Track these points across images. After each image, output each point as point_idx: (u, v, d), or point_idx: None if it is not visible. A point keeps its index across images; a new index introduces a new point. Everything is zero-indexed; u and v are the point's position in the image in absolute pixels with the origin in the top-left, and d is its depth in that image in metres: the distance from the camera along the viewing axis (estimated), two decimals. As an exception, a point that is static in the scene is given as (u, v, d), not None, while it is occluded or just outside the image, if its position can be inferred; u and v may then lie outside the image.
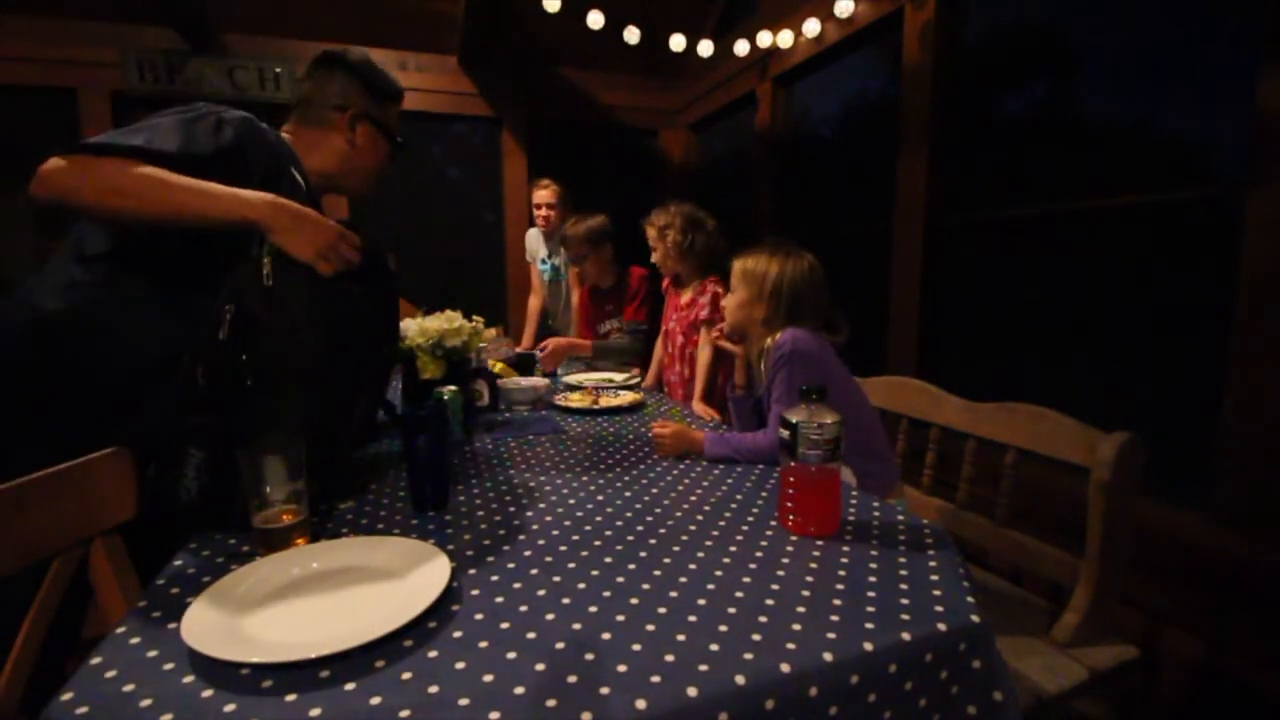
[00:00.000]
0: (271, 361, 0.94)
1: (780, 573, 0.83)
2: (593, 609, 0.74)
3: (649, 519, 1.01)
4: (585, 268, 2.55)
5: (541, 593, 0.77)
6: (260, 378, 0.94)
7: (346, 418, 1.09)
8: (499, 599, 0.76)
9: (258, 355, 0.94)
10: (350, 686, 0.60)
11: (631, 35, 2.90)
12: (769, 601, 0.75)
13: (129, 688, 0.60)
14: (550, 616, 0.72)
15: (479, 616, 0.72)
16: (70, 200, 0.96)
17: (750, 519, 1.01)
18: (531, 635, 0.68)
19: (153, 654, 0.65)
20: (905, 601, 0.76)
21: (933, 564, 0.85)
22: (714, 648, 0.66)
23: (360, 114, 1.35)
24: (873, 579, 0.81)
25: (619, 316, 2.58)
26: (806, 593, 0.78)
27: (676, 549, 0.90)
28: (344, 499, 1.10)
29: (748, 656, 0.64)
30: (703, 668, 0.62)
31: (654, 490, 1.15)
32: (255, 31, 3.31)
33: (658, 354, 2.35)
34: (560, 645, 0.66)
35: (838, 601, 0.76)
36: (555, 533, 0.96)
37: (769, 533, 0.96)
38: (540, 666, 0.63)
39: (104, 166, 0.97)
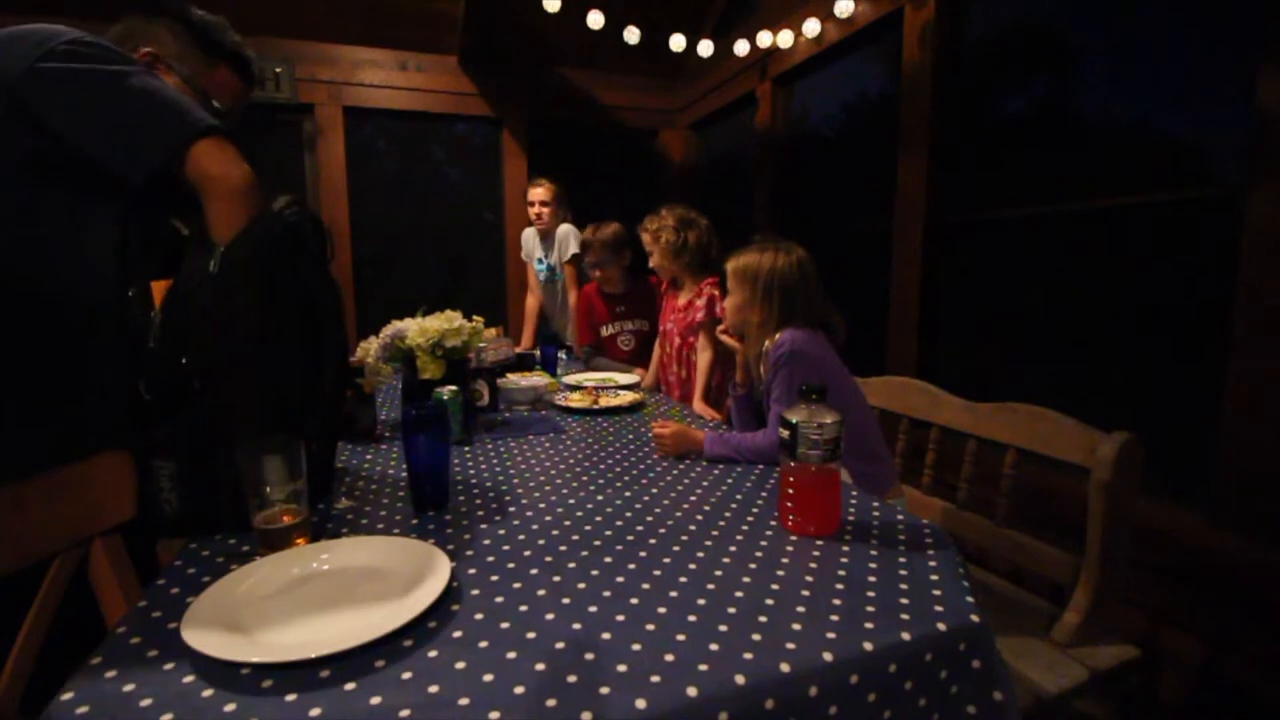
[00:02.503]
0: (216, 357, 0.93)
1: (780, 573, 0.83)
2: (593, 609, 0.74)
3: (649, 519, 1.01)
4: (606, 272, 2.56)
5: (541, 593, 0.77)
6: (207, 376, 0.92)
7: (313, 405, 1.05)
8: (499, 599, 0.76)
9: (198, 355, 0.92)
10: (350, 686, 0.60)
11: (631, 35, 2.90)
12: (769, 601, 0.75)
13: (129, 688, 0.60)
14: (550, 616, 0.72)
15: (479, 616, 0.72)
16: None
17: (750, 519, 1.01)
18: (531, 635, 0.68)
19: (153, 654, 0.65)
20: (905, 601, 0.76)
21: (933, 564, 0.85)
22: (714, 647, 0.66)
23: (159, 59, 1.11)
24: (873, 579, 0.81)
25: (628, 319, 2.60)
26: (806, 593, 0.78)
27: (676, 549, 0.90)
28: (322, 495, 1.10)
29: (748, 656, 0.64)
30: (703, 667, 0.63)
31: (654, 490, 1.15)
32: (255, 31, 3.31)
33: (657, 355, 2.36)
34: (560, 645, 0.66)
35: (838, 601, 0.76)
36: (555, 533, 0.96)
37: (769, 533, 0.96)
38: (540, 666, 0.63)
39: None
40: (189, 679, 0.61)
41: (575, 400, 1.84)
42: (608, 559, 0.87)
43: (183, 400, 0.92)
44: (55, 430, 0.95)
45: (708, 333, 2.04)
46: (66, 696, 0.59)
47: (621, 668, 0.63)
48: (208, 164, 0.95)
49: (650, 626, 0.70)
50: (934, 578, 0.81)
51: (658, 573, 0.83)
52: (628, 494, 1.13)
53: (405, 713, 0.56)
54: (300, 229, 1.01)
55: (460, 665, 0.63)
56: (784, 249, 1.43)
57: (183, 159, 0.94)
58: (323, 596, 0.77)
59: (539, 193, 3.01)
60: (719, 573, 0.83)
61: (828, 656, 0.65)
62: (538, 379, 1.97)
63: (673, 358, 2.25)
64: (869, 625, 0.71)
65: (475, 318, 1.61)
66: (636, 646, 0.66)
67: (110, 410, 0.99)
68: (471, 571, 0.83)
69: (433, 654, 0.65)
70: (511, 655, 0.65)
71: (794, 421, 0.93)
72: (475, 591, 0.78)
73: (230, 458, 0.90)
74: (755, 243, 1.47)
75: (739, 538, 0.94)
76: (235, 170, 0.96)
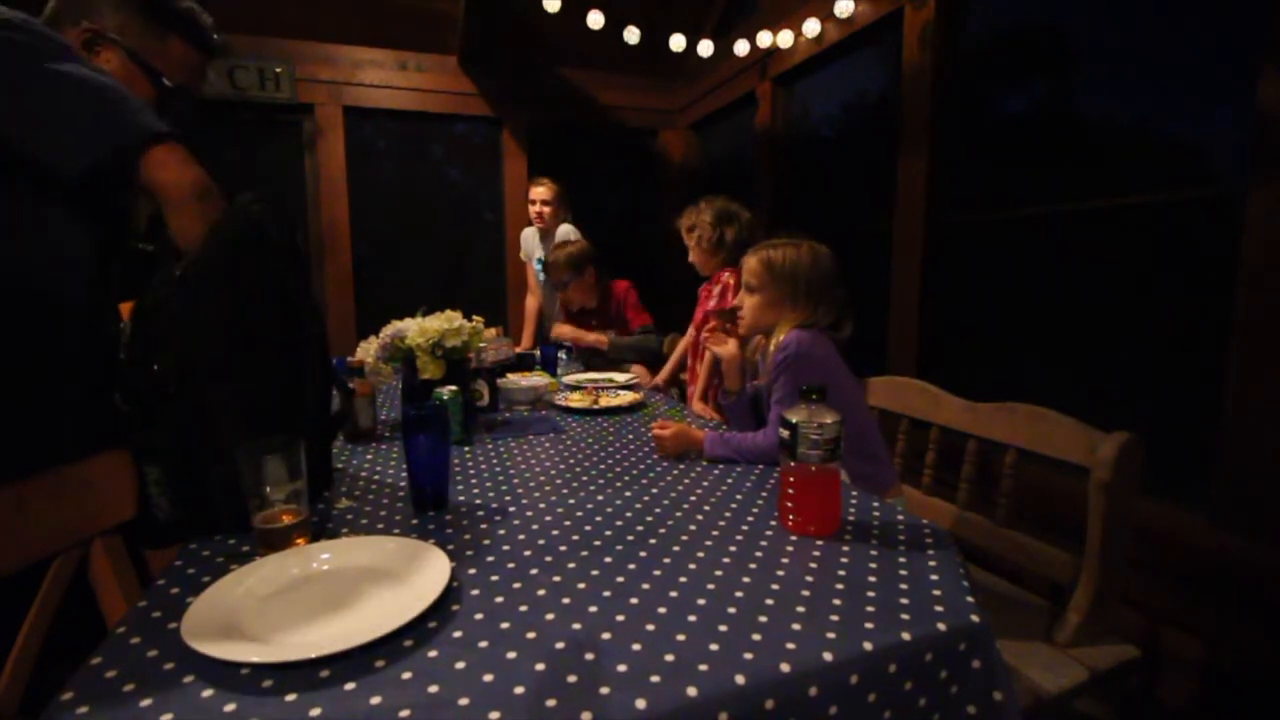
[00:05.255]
0: (190, 360, 0.92)
1: (780, 573, 0.83)
2: (593, 609, 0.74)
3: (649, 519, 1.01)
4: (570, 293, 2.53)
5: (541, 593, 0.77)
6: (182, 381, 0.92)
7: (297, 403, 1.04)
8: (499, 599, 0.76)
9: (170, 360, 0.92)
10: (350, 686, 0.60)
11: (631, 35, 2.90)
12: (769, 601, 0.75)
13: (129, 688, 0.60)
14: (550, 616, 0.72)
15: (479, 616, 0.72)
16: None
17: (750, 519, 1.01)
18: (531, 635, 0.68)
19: (153, 654, 0.65)
20: (905, 601, 0.76)
21: (933, 564, 0.85)
22: (714, 647, 0.66)
23: (100, 35, 1.04)
24: (873, 579, 0.81)
25: (603, 330, 2.57)
26: (806, 593, 0.78)
27: (676, 549, 0.90)
28: (319, 495, 1.10)
29: (748, 656, 0.64)
30: (703, 667, 0.62)
31: (654, 490, 1.15)
32: (255, 31, 3.31)
33: (679, 353, 2.33)
34: (560, 645, 0.66)
35: (838, 601, 0.76)
36: (555, 533, 0.96)
37: (769, 533, 0.96)
38: (540, 666, 0.63)
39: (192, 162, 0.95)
40: (189, 679, 0.61)
41: (575, 400, 1.83)
42: (608, 559, 0.87)
43: (159, 407, 0.92)
44: (43, 435, 0.95)
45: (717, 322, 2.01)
46: (66, 696, 0.59)
47: (621, 668, 0.63)
48: (158, 172, 0.94)
49: (650, 626, 0.70)
50: (934, 578, 0.81)
51: (658, 573, 0.83)
52: (628, 494, 1.13)
53: (405, 713, 0.56)
54: (263, 224, 1.00)
55: (460, 665, 0.63)
56: (815, 245, 1.40)
57: (135, 166, 0.93)
58: (323, 596, 0.77)
59: (540, 192, 3.01)
60: (719, 573, 0.83)
61: (828, 656, 0.65)
62: (538, 379, 1.97)
63: (691, 352, 2.21)
64: (869, 625, 0.70)
65: (475, 318, 1.61)
66: (637, 646, 0.66)
67: (100, 417, 0.99)
68: (471, 571, 0.83)
69: (433, 654, 0.65)
70: (511, 655, 0.65)
71: (794, 421, 0.93)
72: (475, 591, 0.78)
73: (219, 459, 0.90)
74: (782, 240, 1.42)
75: (739, 538, 0.94)
76: (188, 175, 0.96)
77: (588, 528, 0.98)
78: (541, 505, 1.07)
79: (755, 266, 1.42)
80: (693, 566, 0.84)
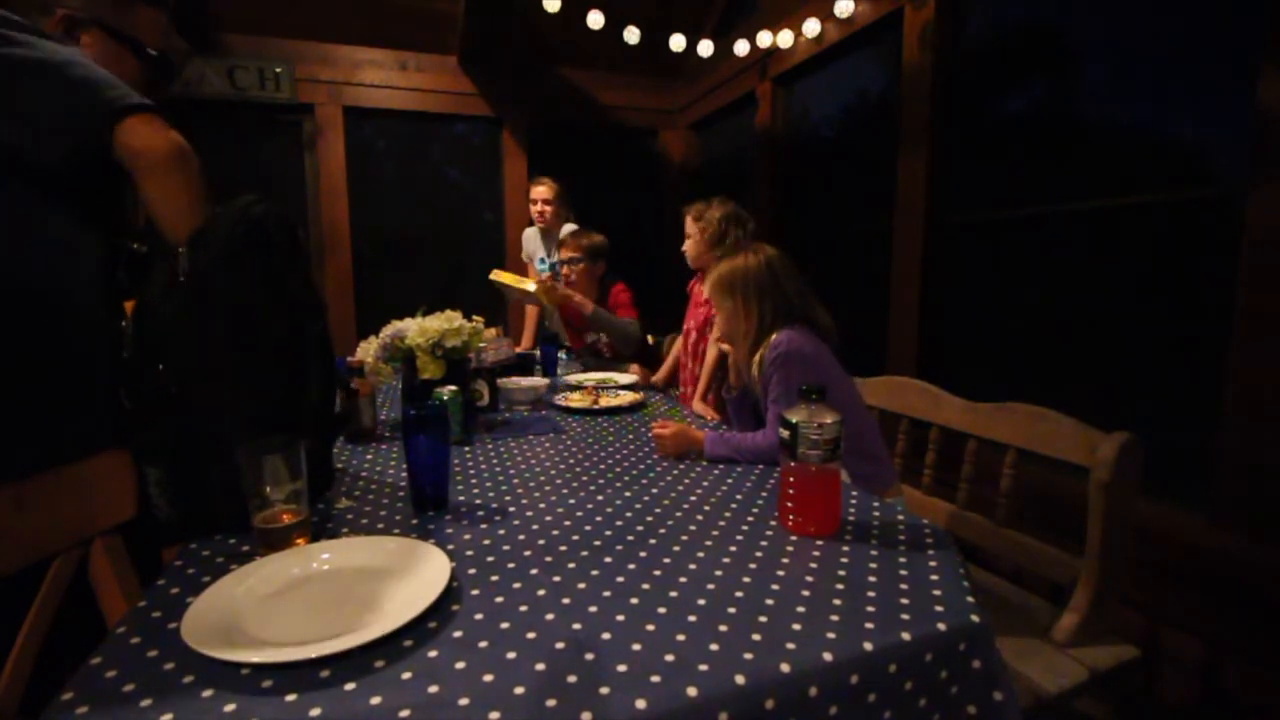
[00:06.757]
0: (192, 362, 0.93)
1: (780, 573, 0.83)
2: (593, 609, 0.74)
3: (649, 519, 1.01)
4: (576, 275, 2.54)
5: (541, 593, 0.77)
6: (184, 381, 0.92)
7: (301, 404, 1.04)
8: (499, 599, 0.76)
9: (173, 361, 0.92)
10: (350, 686, 0.60)
11: (631, 35, 2.90)
12: (769, 601, 0.75)
13: (129, 688, 0.60)
14: (550, 616, 0.72)
15: (479, 616, 0.72)
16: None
17: (750, 519, 1.01)
18: (531, 635, 0.68)
19: (153, 654, 0.65)
20: (905, 601, 0.76)
21: (933, 564, 0.85)
22: (714, 647, 0.66)
23: (76, 19, 1.04)
24: (873, 579, 0.81)
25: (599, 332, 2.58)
26: (806, 593, 0.78)
27: (676, 549, 0.90)
28: (320, 495, 1.10)
29: (748, 656, 0.64)
30: (703, 667, 0.62)
31: (654, 490, 1.15)
32: (255, 31, 3.31)
33: (675, 350, 2.34)
34: (560, 645, 0.66)
35: (838, 601, 0.76)
36: (555, 533, 0.96)
37: (769, 533, 0.96)
38: (540, 666, 0.63)
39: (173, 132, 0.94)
40: (189, 679, 0.61)
41: (575, 400, 1.83)
42: (608, 559, 0.87)
43: (163, 407, 0.92)
44: (43, 435, 0.95)
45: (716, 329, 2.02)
46: (66, 696, 0.59)
47: (621, 668, 0.63)
48: (130, 139, 0.92)
49: (650, 626, 0.70)
50: (934, 578, 0.81)
51: (658, 573, 0.83)
52: (628, 494, 1.13)
53: (405, 713, 0.56)
54: (264, 225, 0.99)
55: (460, 665, 0.63)
56: (751, 250, 1.45)
57: (109, 141, 0.92)
58: (323, 596, 0.77)
59: (541, 191, 3.01)
60: (719, 573, 0.83)
61: (828, 656, 0.65)
62: (538, 379, 1.97)
63: (690, 354, 2.21)
64: (869, 625, 0.70)
65: (475, 318, 1.61)
66: (636, 646, 0.66)
67: (100, 417, 0.99)
68: (471, 571, 0.83)
69: (433, 654, 0.65)
70: (511, 655, 0.65)
71: (794, 421, 0.93)
72: (475, 591, 0.78)
73: (218, 460, 0.89)
74: (727, 254, 1.49)
75: (739, 538, 0.94)
76: (160, 139, 0.93)
77: (588, 528, 0.98)
78: (541, 505, 1.07)
79: (708, 288, 1.50)
80: (693, 566, 0.84)
